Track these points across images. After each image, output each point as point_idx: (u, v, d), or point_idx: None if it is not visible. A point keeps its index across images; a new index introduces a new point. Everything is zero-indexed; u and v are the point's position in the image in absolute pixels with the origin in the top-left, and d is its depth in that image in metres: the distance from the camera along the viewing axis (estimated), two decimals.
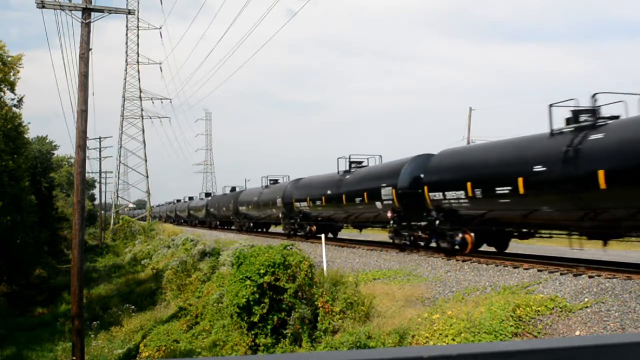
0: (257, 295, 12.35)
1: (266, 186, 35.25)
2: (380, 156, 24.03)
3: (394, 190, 18.88)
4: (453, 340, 8.82)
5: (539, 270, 12.61)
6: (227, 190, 47.01)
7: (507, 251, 17.25)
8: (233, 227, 45.14)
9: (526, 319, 9.20)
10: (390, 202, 19.10)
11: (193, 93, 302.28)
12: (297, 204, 28.13)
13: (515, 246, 20.34)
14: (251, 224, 38.96)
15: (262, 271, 12.48)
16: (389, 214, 19.22)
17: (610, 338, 1.24)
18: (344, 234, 31.01)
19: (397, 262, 16.55)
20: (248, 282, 12.47)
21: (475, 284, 12.26)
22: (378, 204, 20.01)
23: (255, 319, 12.38)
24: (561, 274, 11.85)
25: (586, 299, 9.80)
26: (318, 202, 25.61)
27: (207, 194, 58.51)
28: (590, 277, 11.21)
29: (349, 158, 24.60)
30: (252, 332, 12.60)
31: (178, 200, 79.91)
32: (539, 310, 9.45)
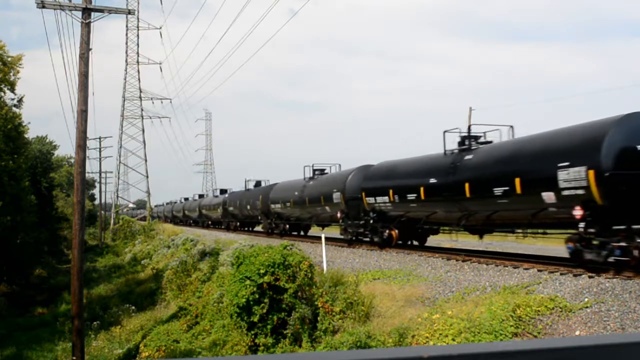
0: (257, 295, 12.35)
1: (311, 178, 27.65)
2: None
3: None
4: (453, 340, 8.82)
5: (539, 270, 12.61)
6: (251, 185, 39.21)
7: (506, 251, 16.63)
8: (260, 229, 38.80)
9: (526, 319, 9.20)
10: None
11: (193, 93, 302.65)
12: (369, 200, 20.73)
13: (516, 246, 20.37)
14: (287, 226, 31.41)
15: (262, 271, 12.48)
16: None
17: (610, 338, 1.24)
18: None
19: (397, 262, 16.54)
20: (248, 282, 12.47)
21: (475, 284, 12.26)
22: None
23: (255, 319, 12.38)
24: (561, 274, 11.85)
25: (586, 299, 9.79)
26: (412, 196, 18.07)
27: (223, 191, 50.45)
28: (590, 277, 11.21)
29: (468, 131, 16.60)
30: (252, 332, 12.60)
31: (186, 199, 74.20)
32: (539, 310, 9.45)
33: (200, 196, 64.42)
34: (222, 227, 47.66)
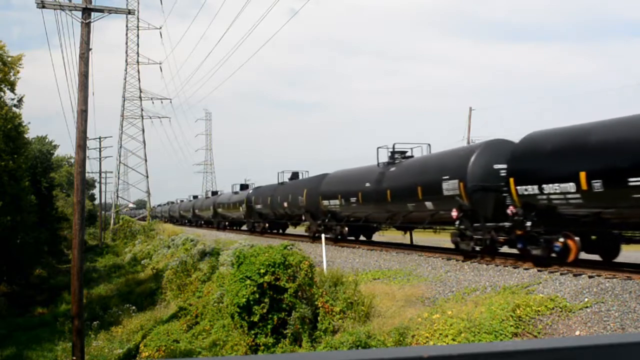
0: (257, 295, 12.35)
1: (391, 162, 20.19)
2: None
3: None
4: (453, 340, 8.82)
5: (539, 270, 12.61)
6: (286, 178, 32.39)
7: (507, 251, 16.15)
8: (296, 231, 31.84)
9: (526, 319, 9.21)
10: None
11: (193, 93, 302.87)
12: (523, 190, 13.66)
13: None
14: (345, 229, 23.63)
15: (262, 271, 12.49)
16: None
17: (610, 338, 1.24)
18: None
19: (397, 262, 16.55)
20: (248, 281, 12.47)
21: (475, 284, 12.26)
22: None
23: (256, 319, 12.38)
24: (561, 274, 11.85)
25: (586, 299, 9.80)
26: None
27: (244, 186, 42.42)
28: (590, 277, 11.21)
29: None
30: (252, 332, 12.60)
31: (195, 197, 68.48)
32: (539, 310, 9.46)
33: (214, 193, 56.20)
34: (246, 228, 40.52)
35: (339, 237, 23.97)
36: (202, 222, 56.47)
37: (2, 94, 31.83)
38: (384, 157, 20.92)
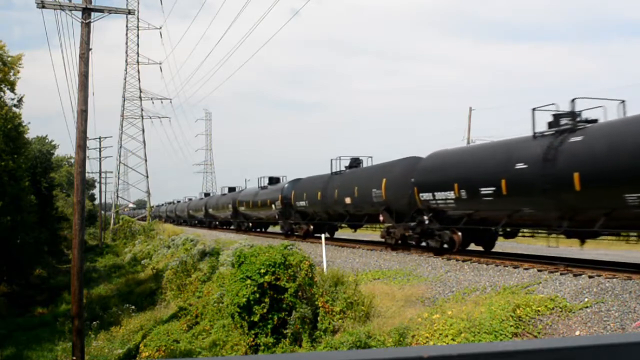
0: (257, 295, 12.35)
1: (581, 123, 12.49)
2: None
3: None
4: (453, 340, 8.82)
5: (539, 270, 12.61)
6: (341, 166, 25.01)
7: (507, 251, 15.70)
8: (385, 241, 20.30)
9: (526, 319, 9.21)
10: None
11: (193, 93, 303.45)
12: None
13: (516, 246, 20.39)
14: (459, 234, 16.20)
15: (262, 271, 12.49)
16: None
17: (610, 338, 1.24)
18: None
19: (397, 262, 16.54)
20: (248, 281, 12.48)
21: (475, 284, 12.26)
22: None
23: (256, 319, 12.38)
24: (561, 274, 11.85)
25: (586, 299, 9.80)
26: None
27: (274, 179, 34.27)
28: (590, 277, 11.21)
29: None
30: (253, 331, 12.61)
31: (207, 194, 61.91)
32: (539, 310, 9.46)
33: (231, 190, 47.52)
34: (280, 231, 32.15)
35: (445, 245, 16.60)
36: (217, 223, 49.76)
37: (2, 94, 31.83)
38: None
